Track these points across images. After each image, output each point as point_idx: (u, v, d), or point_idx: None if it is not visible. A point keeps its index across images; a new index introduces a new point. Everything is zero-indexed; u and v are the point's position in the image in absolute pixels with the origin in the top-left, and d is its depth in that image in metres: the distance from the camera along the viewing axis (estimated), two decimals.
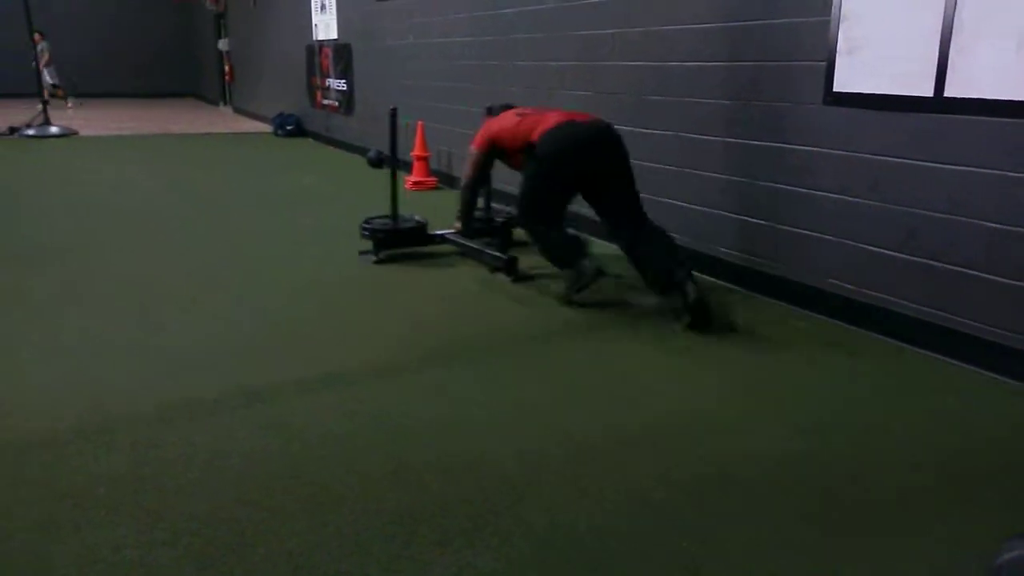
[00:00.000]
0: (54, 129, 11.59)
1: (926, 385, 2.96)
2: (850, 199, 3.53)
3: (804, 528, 2.01)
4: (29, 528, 1.96)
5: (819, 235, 3.70)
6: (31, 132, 11.45)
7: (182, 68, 22.84)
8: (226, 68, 17.65)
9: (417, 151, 7.37)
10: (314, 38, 10.99)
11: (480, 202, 4.88)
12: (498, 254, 4.43)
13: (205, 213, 6.09)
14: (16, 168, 8.38)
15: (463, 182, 4.49)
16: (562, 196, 3.96)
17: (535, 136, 3.89)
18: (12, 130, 11.61)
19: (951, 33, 3.04)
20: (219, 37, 17.93)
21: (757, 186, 4.01)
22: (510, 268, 4.33)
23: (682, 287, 3.45)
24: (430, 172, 7.45)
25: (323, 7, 10.47)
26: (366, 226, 4.72)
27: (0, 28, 17.98)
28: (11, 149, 9.97)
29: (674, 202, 4.57)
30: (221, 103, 19.01)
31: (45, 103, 11.96)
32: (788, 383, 2.96)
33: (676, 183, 4.54)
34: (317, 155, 10.02)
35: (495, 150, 4.23)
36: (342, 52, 9.91)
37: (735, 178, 4.15)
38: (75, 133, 11.83)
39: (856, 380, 3.01)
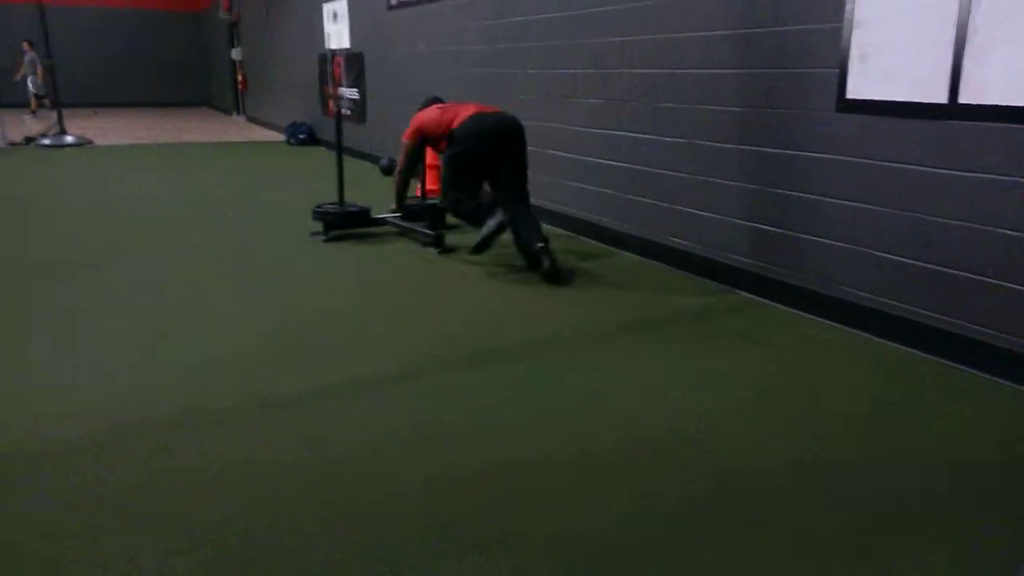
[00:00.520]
0: (69, 139, 11.69)
1: (941, 393, 2.94)
2: (864, 206, 3.51)
3: (821, 538, 1.99)
4: (44, 536, 1.97)
5: (833, 242, 3.68)
6: (47, 142, 11.56)
7: (196, 77, 23.02)
8: (239, 77, 17.77)
9: (429, 160, 7.37)
10: (326, 47, 11.05)
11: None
12: (427, 231, 5.17)
13: (218, 221, 6.12)
14: (32, 178, 8.46)
15: (397, 168, 5.28)
16: (475, 170, 4.76)
17: (455, 124, 4.72)
18: (28, 140, 11.73)
19: (965, 40, 3.03)
20: (232, 46, 18.06)
21: (771, 193, 4.00)
22: (437, 242, 5.10)
23: (538, 257, 4.43)
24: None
25: (335, 16, 10.52)
26: (317, 210, 5.53)
27: (18, 43, 18.22)
28: (28, 159, 10.06)
29: (688, 210, 4.56)
30: (234, 112, 19.14)
31: (60, 113, 12.08)
32: (801, 391, 2.94)
33: (690, 191, 4.54)
34: (329, 163, 10.05)
35: (423, 139, 4.98)
36: (354, 61, 9.96)
37: (749, 185, 4.14)
38: (90, 143, 11.94)
39: (870, 388, 2.99)
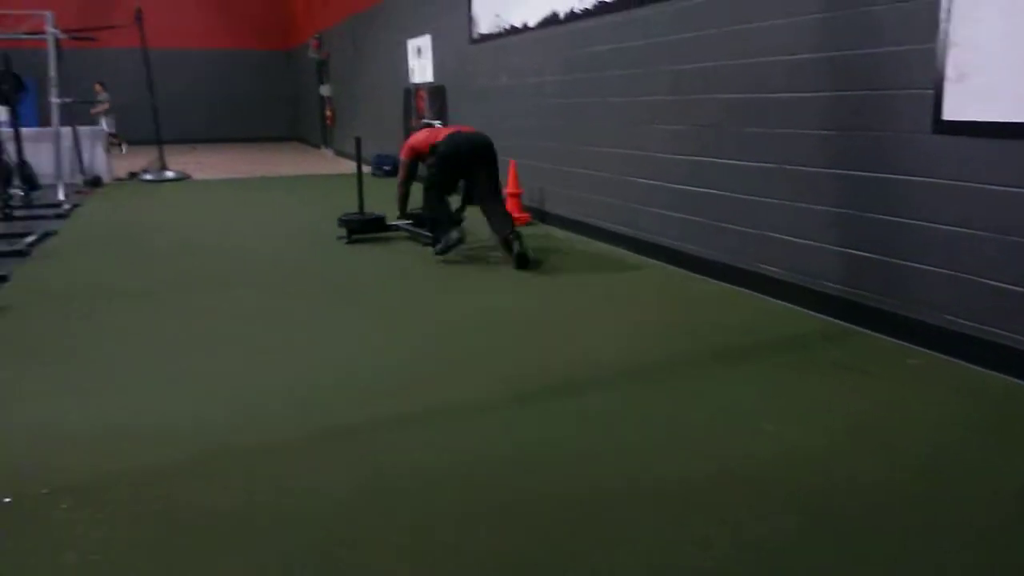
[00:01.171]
0: (170, 174, 12.33)
1: None
2: (967, 231, 3.36)
3: (915, 567, 1.90)
4: (147, 557, 2.05)
5: (932, 268, 3.53)
6: (149, 176, 12.23)
7: (286, 114, 23.97)
8: (328, 113, 18.42)
9: (510, 188, 7.46)
10: (410, 81, 11.36)
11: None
12: (428, 234, 6.05)
13: (308, 251, 6.32)
14: (135, 211, 8.95)
15: (398, 180, 6.50)
16: (451, 177, 5.87)
17: (438, 140, 5.83)
18: (132, 175, 12.43)
19: None
20: (321, 83, 18.76)
21: (864, 218, 3.87)
22: (435, 244, 5.83)
23: (509, 242, 5.45)
24: (523, 208, 7.52)
25: (419, 51, 10.82)
26: (342, 218, 6.68)
27: (129, 86, 19.41)
28: (131, 193, 10.66)
29: (777, 236, 4.46)
30: (323, 146, 19.81)
31: (161, 149, 12.76)
32: (900, 422, 2.81)
33: (777, 216, 4.44)
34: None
35: (416, 156, 6.15)
36: (437, 94, 10.20)
37: (840, 210, 4.02)
38: (188, 177, 12.55)
39: (971, 419, 2.83)
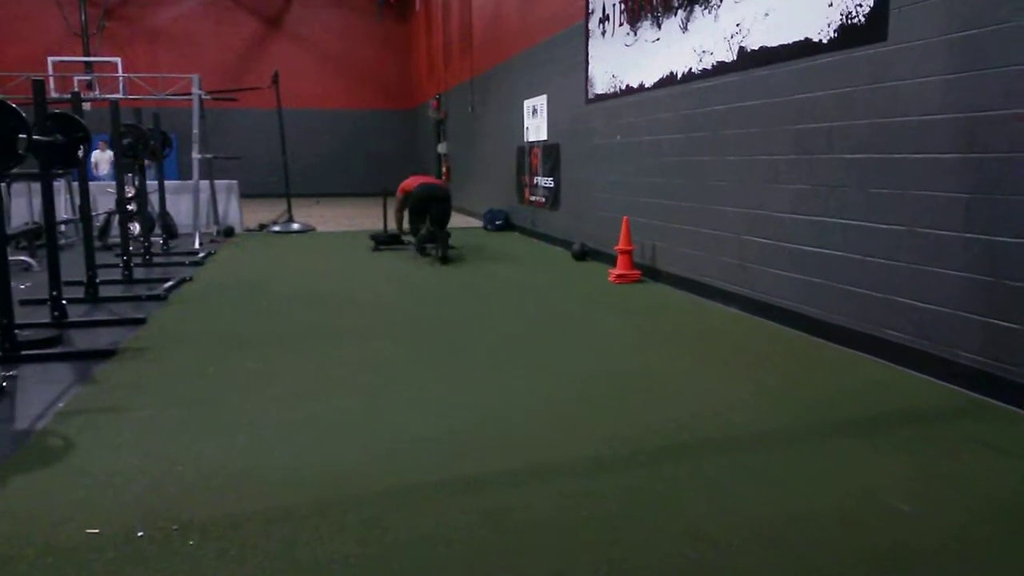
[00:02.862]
0: (296, 225, 12.99)
1: None
2: None
3: None
4: None
5: None
6: (276, 228, 12.92)
7: (406, 169, 24.89)
8: (444, 169, 19.05)
9: (621, 245, 7.45)
10: (525, 140, 11.62)
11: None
12: (431, 248, 9.26)
13: (424, 302, 6.49)
14: (264, 260, 9.45)
15: (394, 210, 10.12)
16: (418, 211, 9.15)
17: (411, 188, 9.42)
18: (261, 227, 13.18)
19: None
20: (439, 141, 19.46)
21: (1007, 286, 3.64)
22: (437, 257, 9.01)
23: (443, 257, 8.81)
24: (634, 265, 7.49)
25: (535, 111, 11.08)
26: (371, 235, 10.61)
27: (262, 143, 20.75)
28: (260, 243, 11.28)
29: (906, 301, 4.25)
30: None
31: (289, 202, 13.50)
32: None
33: (908, 280, 4.23)
34: (524, 247, 10.43)
35: (406, 194, 9.52)
36: (551, 152, 10.37)
37: (979, 276, 3.79)
38: (313, 229, 13.18)
39: None
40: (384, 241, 10.29)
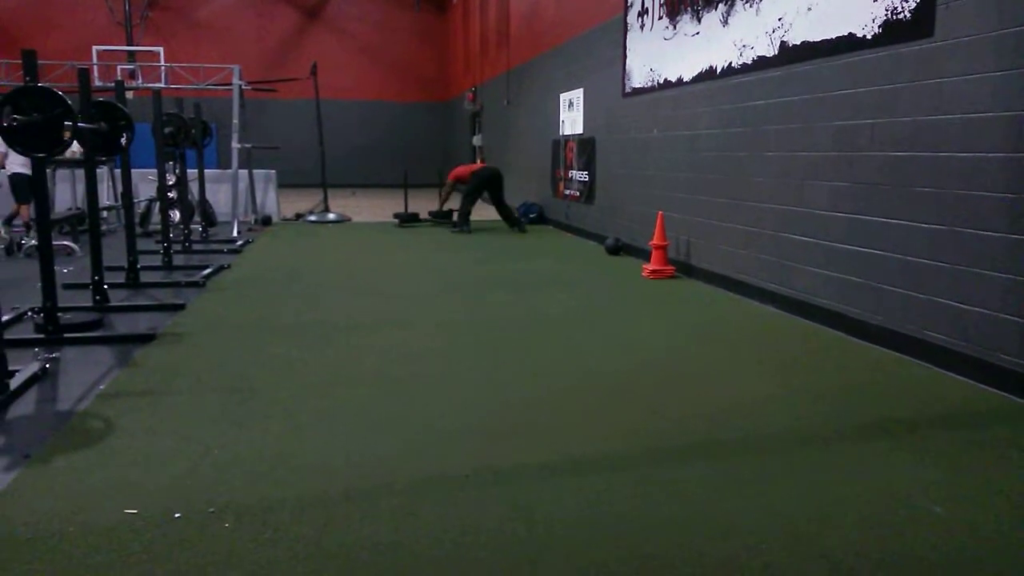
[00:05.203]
0: (332, 216, 13.11)
1: None
2: None
3: None
4: None
5: None
6: (313, 218, 13.05)
7: (439, 162, 24.99)
8: (478, 162, 19.06)
9: (656, 240, 7.40)
10: (560, 133, 11.59)
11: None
12: (452, 223, 11.79)
13: (458, 293, 6.51)
14: (300, 248, 9.56)
15: (444, 194, 12.48)
16: (477, 193, 11.58)
17: (471, 171, 11.96)
18: (298, 216, 13.33)
19: None
20: (473, 134, 19.48)
21: None
22: (455, 226, 11.49)
23: (516, 226, 11.68)
24: (668, 261, 7.44)
25: (571, 105, 11.04)
26: (395, 214, 12.63)
27: (300, 133, 20.95)
28: (297, 232, 11.41)
29: (948, 302, 4.17)
30: None
31: (326, 193, 13.63)
32: None
33: (950, 282, 4.15)
34: (557, 241, 10.42)
35: (456, 180, 12.02)
36: (586, 145, 10.33)
37: (1023, 278, 3.71)
38: (349, 219, 13.29)
39: None
40: (405, 219, 12.35)
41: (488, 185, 11.54)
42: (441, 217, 12.36)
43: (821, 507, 2.61)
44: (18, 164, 8.94)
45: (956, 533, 2.43)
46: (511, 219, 11.63)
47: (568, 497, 2.68)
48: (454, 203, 12.79)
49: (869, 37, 4.75)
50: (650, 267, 7.41)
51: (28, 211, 9.14)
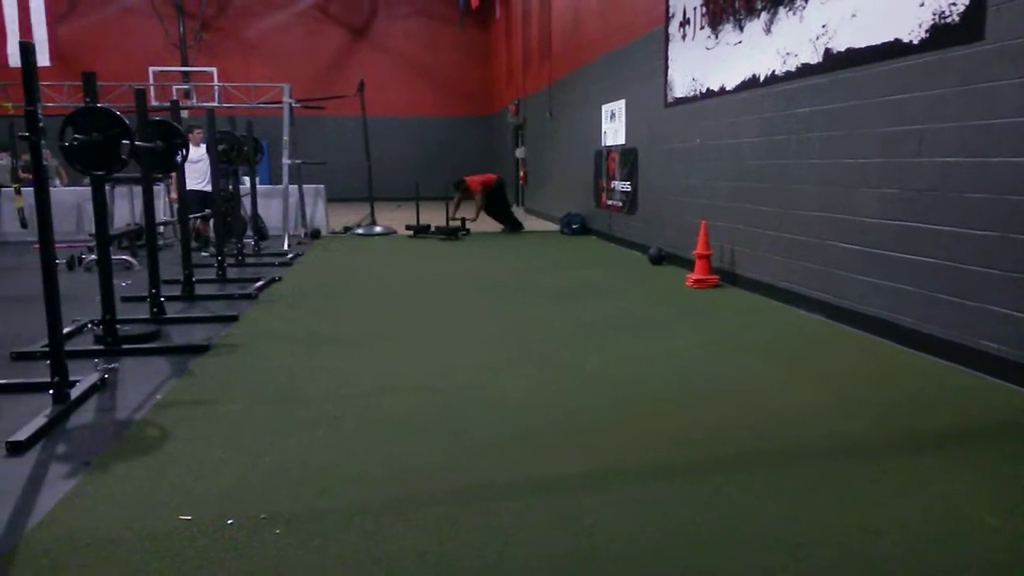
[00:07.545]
0: (378, 228, 13.30)
1: None
2: None
3: None
4: None
5: None
6: (360, 231, 13.26)
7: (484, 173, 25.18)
8: (521, 173, 19.16)
9: (699, 249, 7.36)
10: (602, 144, 11.59)
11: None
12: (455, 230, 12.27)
13: (499, 304, 6.56)
14: (348, 261, 9.72)
15: (455, 205, 13.51)
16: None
17: (488, 179, 13.83)
18: (346, 229, 13.56)
19: None
20: (516, 146, 19.58)
21: None
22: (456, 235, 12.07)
23: (518, 227, 13.62)
24: (711, 270, 7.38)
25: (612, 116, 11.04)
26: (408, 226, 12.69)
27: (347, 149, 21.30)
28: (345, 245, 11.61)
29: (1002, 310, 4.07)
30: (515, 204, 20.56)
31: (372, 206, 13.84)
32: None
33: (1004, 289, 4.06)
34: (600, 251, 10.41)
35: (462, 188, 13.59)
36: (628, 156, 10.32)
37: None
38: (394, 232, 13.47)
39: None
40: (418, 231, 12.55)
41: (500, 193, 13.51)
42: (449, 233, 12.24)
43: (870, 518, 2.58)
44: (193, 181, 9.41)
45: (1012, 546, 2.38)
46: (511, 221, 13.64)
47: (612, 507, 2.68)
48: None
49: (916, 42, 4.68)
50: (694, 276, 7.36)
51: (207, 227, 10.18)
